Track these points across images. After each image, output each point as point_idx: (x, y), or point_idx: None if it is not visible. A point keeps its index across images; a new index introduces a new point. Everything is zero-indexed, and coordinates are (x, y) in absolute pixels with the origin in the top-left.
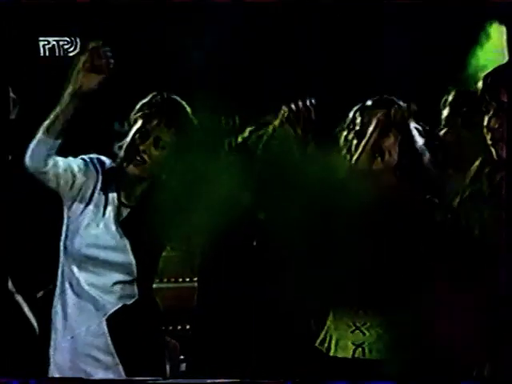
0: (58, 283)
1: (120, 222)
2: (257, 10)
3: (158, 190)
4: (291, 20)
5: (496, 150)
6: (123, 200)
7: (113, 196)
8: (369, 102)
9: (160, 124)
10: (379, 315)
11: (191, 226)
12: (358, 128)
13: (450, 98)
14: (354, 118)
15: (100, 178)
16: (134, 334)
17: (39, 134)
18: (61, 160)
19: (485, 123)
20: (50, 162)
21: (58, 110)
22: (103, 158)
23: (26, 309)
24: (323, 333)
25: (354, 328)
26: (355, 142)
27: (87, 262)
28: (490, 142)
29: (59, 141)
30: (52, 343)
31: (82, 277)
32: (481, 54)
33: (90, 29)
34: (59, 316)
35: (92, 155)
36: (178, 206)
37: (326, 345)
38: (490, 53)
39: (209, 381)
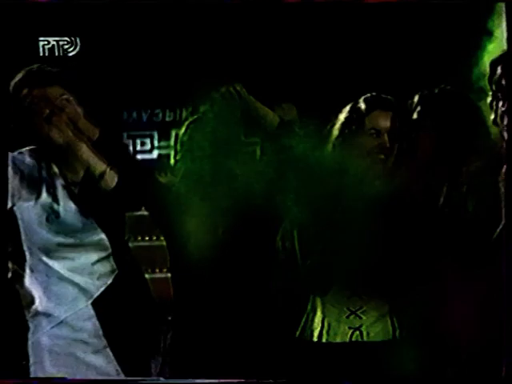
0: (29, 278)
1: (76, 201)
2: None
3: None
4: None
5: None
6: (69, 179)
7: (58, 178)
8: (362, 104)
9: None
10: (375, 299)
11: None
12: (353, 128)
13: (416, 100)
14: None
15: (37, 167)
16: (121, 316)
17: None
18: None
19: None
20: None
21: None
22: (32, 149)
23: None
24: (312, 322)
25: (348, 313)
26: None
27: (59, 250)
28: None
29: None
30: (30, 338)
31: (57, 265)
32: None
33: (89, 29)
34: (41, 306)
35: (21, 150)
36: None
37: (316, 333)
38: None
39: (214, 381)
